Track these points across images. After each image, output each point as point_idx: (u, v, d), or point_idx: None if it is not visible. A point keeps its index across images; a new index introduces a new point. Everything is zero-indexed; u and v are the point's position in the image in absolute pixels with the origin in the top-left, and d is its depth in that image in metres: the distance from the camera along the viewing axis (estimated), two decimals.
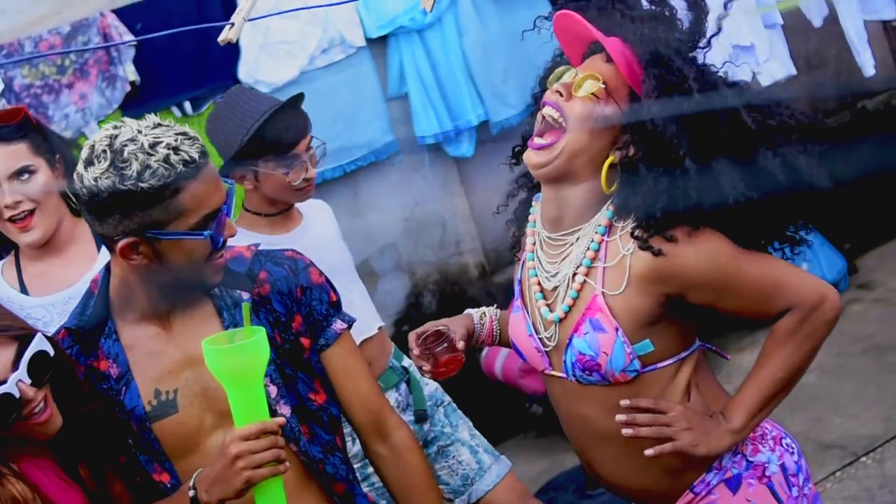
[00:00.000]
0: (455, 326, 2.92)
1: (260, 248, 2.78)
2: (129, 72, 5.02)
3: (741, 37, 5.01)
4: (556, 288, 2.70)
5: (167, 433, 2.59)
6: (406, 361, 4.00)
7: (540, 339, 2.76)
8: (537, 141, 2.65)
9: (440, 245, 5.81)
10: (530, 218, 2.85)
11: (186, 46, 4.97)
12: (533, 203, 2.85)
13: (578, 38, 2.73)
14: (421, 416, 3.97)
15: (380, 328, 3.94)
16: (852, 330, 6.26)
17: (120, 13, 5.00)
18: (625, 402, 2.60)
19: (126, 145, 2.36)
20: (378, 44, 5.53)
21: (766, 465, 2.70)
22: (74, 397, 2.54)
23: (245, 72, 5.12)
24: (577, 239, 2.67)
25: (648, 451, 2.56)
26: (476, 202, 5.94)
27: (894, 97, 7.14)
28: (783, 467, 2.71)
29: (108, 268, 2.64)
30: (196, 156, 2.41)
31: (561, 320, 2.68)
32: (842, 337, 6.20)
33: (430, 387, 4.05)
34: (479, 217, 5.94)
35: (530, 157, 2.66)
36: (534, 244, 2.80)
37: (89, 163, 2.38)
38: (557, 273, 2.70)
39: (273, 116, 3.59)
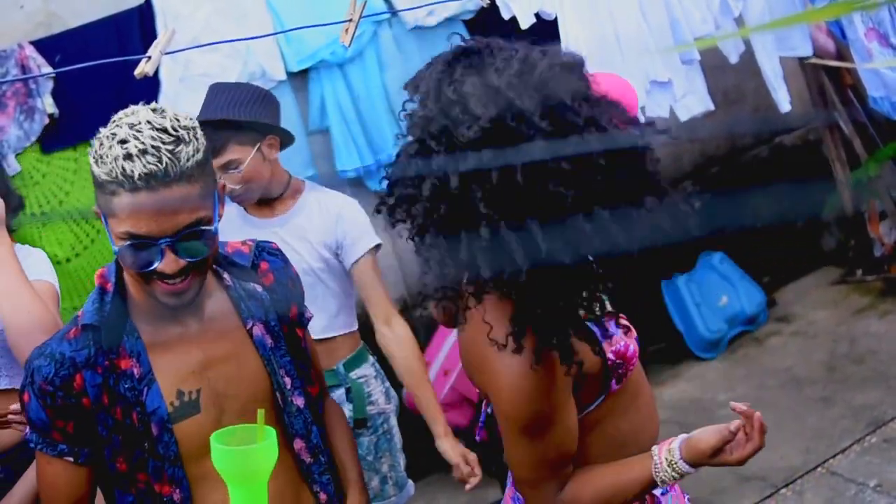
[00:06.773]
0: None
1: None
2: (48, 104, 4.96)
3: (658, 73, 5.06)
4: None
5: (187, 435, 2.53)
6: (355, 374, 4.11)
7: None
8: None
9: None
10: None
11: (105, 79, 4.90)
12: None
13: None
14: (360, 423, 4.07)
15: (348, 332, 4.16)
16: (771, 363, 6.34)
17: (39, 45, 4.94)
18: None
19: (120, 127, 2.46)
20: (299, 77, 5.51)
21: None
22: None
23: (165, 105, 5.04)
24: None
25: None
26: (397, 237, 5.89)
27: (811, 133, 7.25)
28: None
29: (117, 262, 2.55)
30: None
31: None
32: (761, 369, 6.28)
33: (375, 409, 4.11)
34: (400, 252, 5.93)
35: None
36: None
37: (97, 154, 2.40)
38: None
39: None
